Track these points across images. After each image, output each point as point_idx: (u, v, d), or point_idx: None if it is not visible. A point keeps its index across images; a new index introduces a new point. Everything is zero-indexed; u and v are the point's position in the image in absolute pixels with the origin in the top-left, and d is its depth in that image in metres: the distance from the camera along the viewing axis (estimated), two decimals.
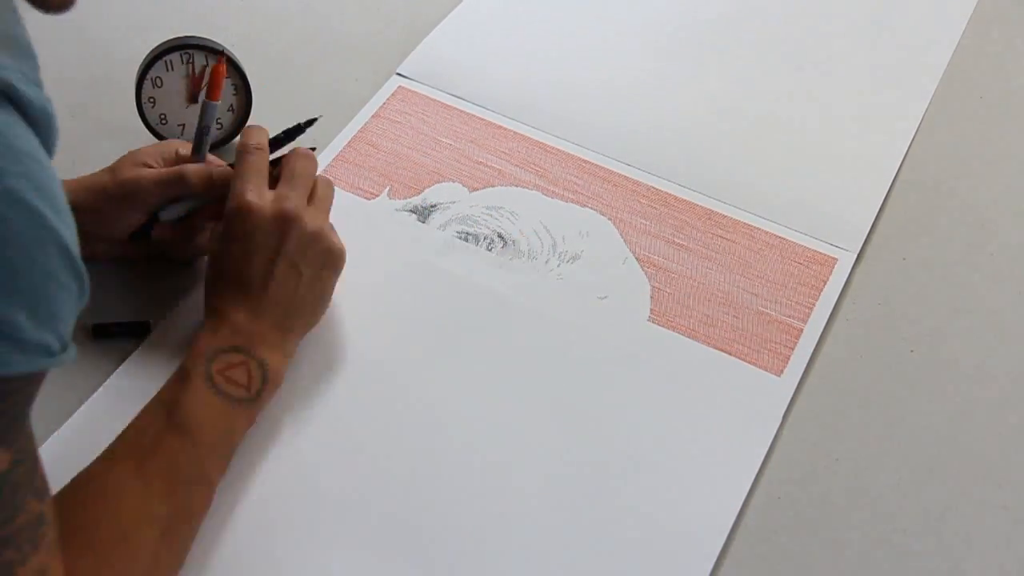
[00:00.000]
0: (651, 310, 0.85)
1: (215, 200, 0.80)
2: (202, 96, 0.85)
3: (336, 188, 0.91)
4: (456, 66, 1.03)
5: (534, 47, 1.06)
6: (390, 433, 0.77)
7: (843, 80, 1.05)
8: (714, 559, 0.72)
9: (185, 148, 0.83)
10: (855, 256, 0.90)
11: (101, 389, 0.78)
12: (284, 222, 0.75)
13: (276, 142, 0.83)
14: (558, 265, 0.88)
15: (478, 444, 0.77)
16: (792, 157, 0.97)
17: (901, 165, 0.97)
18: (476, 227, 0.90)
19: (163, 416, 0.68)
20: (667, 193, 0.93)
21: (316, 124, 0.85)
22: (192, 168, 0.80)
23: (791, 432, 0.79)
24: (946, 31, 1.10)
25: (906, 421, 0.81)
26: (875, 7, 1.12)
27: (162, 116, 0.91)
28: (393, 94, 1.00)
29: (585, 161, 0.95)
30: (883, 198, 0.94)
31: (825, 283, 0.88)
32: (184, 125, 0.92)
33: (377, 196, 0.92)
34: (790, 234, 0.91)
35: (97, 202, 0.79)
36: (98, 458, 0.66)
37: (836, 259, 0.89)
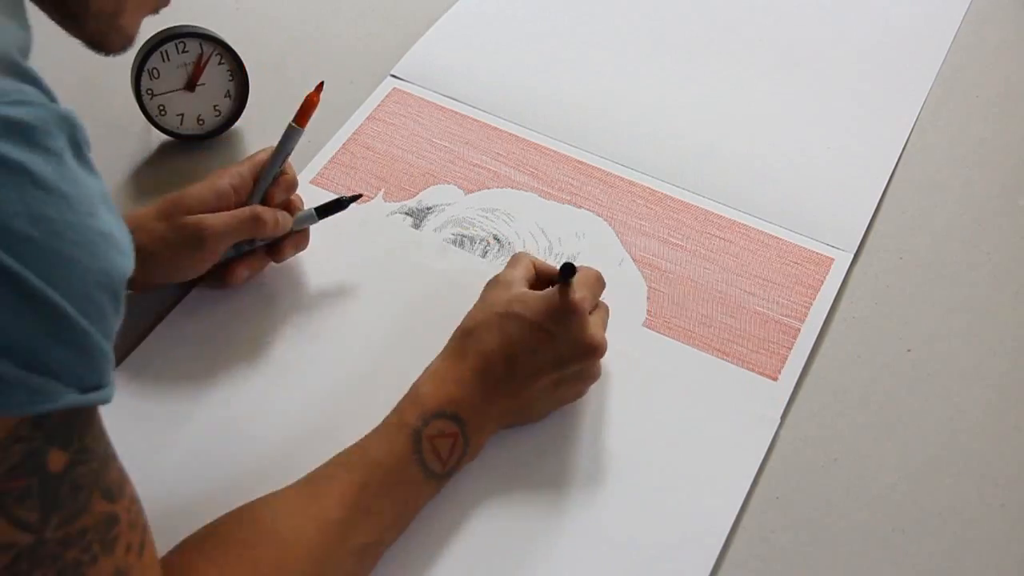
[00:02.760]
0: (648, 311, 0.85)
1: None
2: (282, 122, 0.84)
3: (332, 190, 0.91)
4: (451, 68, 1.03)
5: (529, 48, 1.06)
6: None
7: (838, 79, 1.05)
8: (713, 560, 0.72)
9: (234, 180, 0.81)
10: (852, 256, 0.90)
11: None
12: (592, 354, 0.74)
13: (324, 210, 0.83)
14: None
15: None
16: (788, 157, 0.97)
17: (897, 164, 0.97)
18: (472, 229, 0.90)
19: (360, 473, 0.68)
20: (663, 194, 0.93)
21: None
22: (265, 212, 0.79)
23: (789, 432, 0.79)
24: (941, 29, 1.10)
25: (904, 420, 0.81)
26: (870, 6, 1.12)
27: (161, 107, 0.91)
28: (388, 96, 1.00)
29: (581, 162, 0.95)
30: (879, 197, 0.94)
31: (822, 283, 0.88)
32: (183, 115, 0.92)
33: (372, 199, 0.91)
34: (787, 234, 0.91)
35: (166, 252, 0.77)
36: (283, 491, 0.67)
37: (833, 259, 0.89)
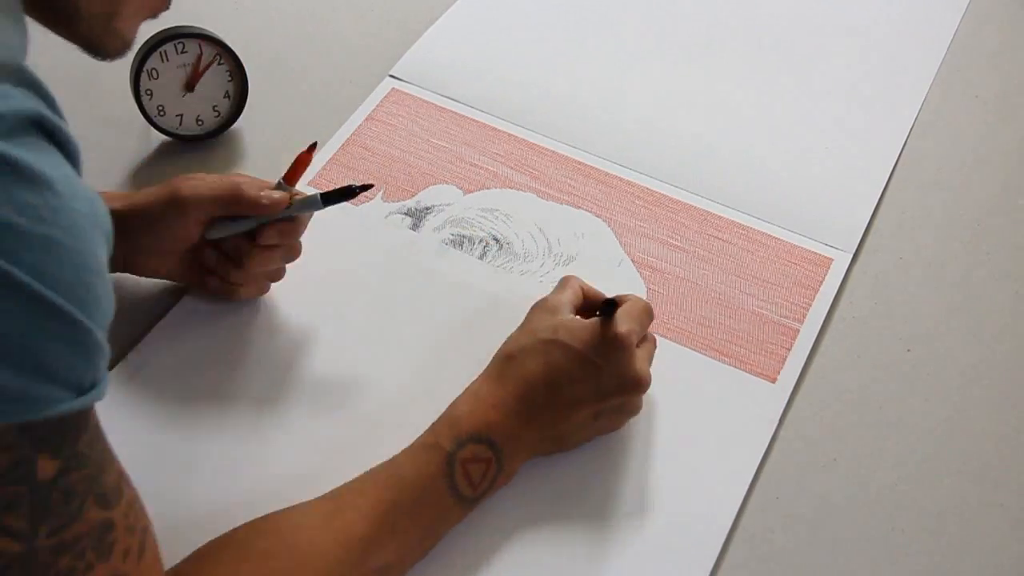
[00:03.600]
0: None
1: (266, 222, 0.78)
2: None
3: None
4: (450, 68, 1.03)
5: (527, 49, 1.06)
6: (383, 439, 0.77)
7: (837, 80, 1.04)
8: (713, 560, 0.72)
9: (245, 186, 0.78)
10: (851, 256, 0.90)
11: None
12: (634, 389, 0.74)
13: (328, 198, 0.77)
14: (553, 267, 0.87)
15: None
16: (787, 157, 0.97)
17: (896, 164, 0.97)
18: (471, 230, 0.90)
19: (390, 490, 0.68)
20: (662, 194, 0.93)
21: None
22: (247, 183, 0.77)
23: (789, 432, 0.79)
24: (939, 29, 1.10)
25: (903, 420, 0.81)
26: (868, 6, 1.12)
27: (160, 107, 0.91)
28: (386, 96, 1.00)
29: (580, 163, 0.95)
30: (878, 197, 0.94)
31: (821, 283, 0.88)
32: (182, 115, 0.92)
33: (371, 199, 0.91)
34: (785, 234, 0.91)
35: (150, 209, 0.77)
36: (306, 505, 0.67)
37: (832, 259, 0.89)
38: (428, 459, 0.69)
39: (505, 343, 0.75)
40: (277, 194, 0.77)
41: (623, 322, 0.73)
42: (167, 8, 0.63)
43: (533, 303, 0.78)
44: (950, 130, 1.01)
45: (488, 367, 0.74)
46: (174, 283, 0.84)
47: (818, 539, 0.74)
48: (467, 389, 0.73)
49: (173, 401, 0.78)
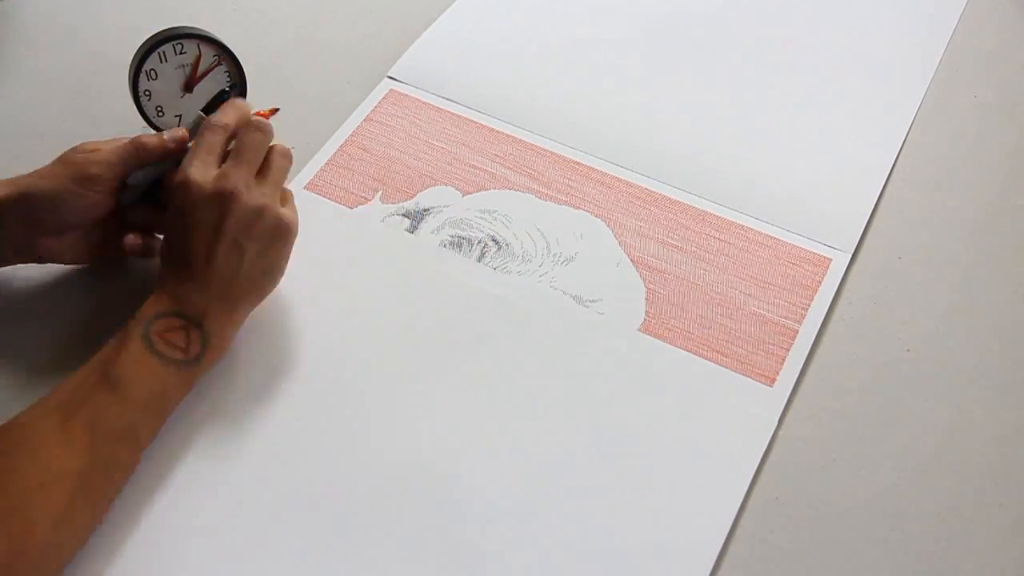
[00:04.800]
0: (646, 312, 0.85)
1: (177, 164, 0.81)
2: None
3: (326, 197, 0.91)
4: (447, 69, 1.03)
5: (525, 49, 1.06)
6: (380, 441, 0.77)
7: (835, 80, 1.04)
8: (712, 561, 0.72)
9: (144, 137, 0.82)
10: (849, 256, 0.90)
11: None
12: (223, 200, 0.75)
13: (210, 107, 0.84)
14: (552, 268, 0.87)
15: (470, 452, 0.77)
16: (785, 157, 0.97)
17: (895, 164, 0.97)
18: (470, 231, 0.90)
19: (97, 373, 0.70)
20: (661, 194, 0.93)
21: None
22: (146, 136, 0.81)
23: (788, 433, 0.79)
24: (938, 29, 1.10)
25: (903, 420, 0.81)
26: (866, 7, 1.12)
27: (159, 108, 0.91)
28: (384, 97, 1.00)
29: (578, 163, 0.95)
30: (877, 197, 0.94)
31: (820, 283, 0.88)
32: (181, 116, 0.92)
33: (369, 200, 0.91)
34: (784, 234, 0.91)
35: (53, 190, 0.78)
36: (28, 408, 0.68)
37: (830, 259, 0.89)
38: (127, 347, 0.71)
39: None
40: (177, 131, 0.81)
41: (182, 170, 0.76)
42: None
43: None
44: (949, 130, 1.01)
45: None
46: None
47: (818, 539, 0.74)
48: None
49: None
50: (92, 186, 0.79)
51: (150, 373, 0.71)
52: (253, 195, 0.76)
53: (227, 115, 0.80)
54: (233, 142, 0.79)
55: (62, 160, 0.80)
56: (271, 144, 0.79)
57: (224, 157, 0.78)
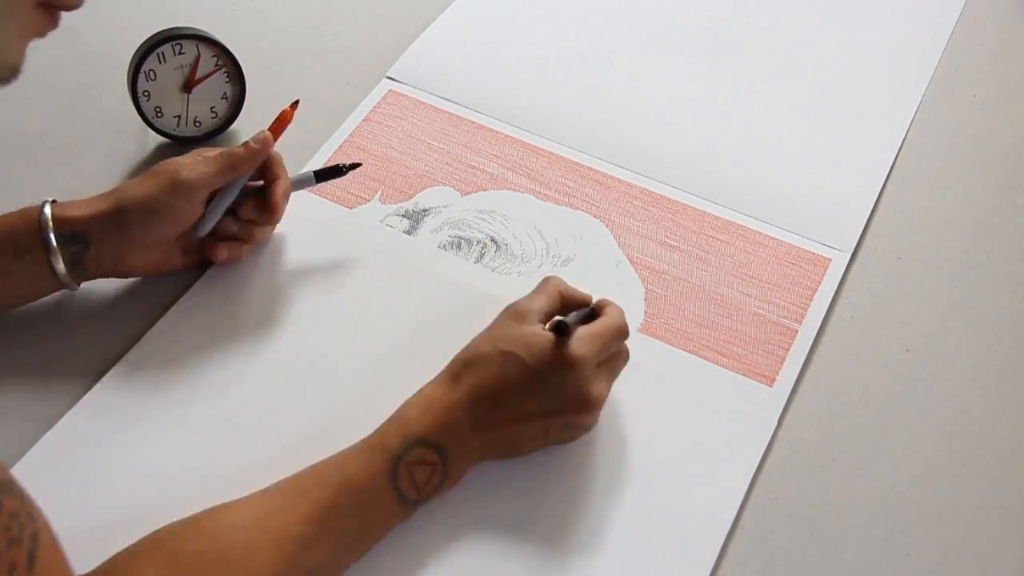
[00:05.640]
0: (645, 312, 0.85)
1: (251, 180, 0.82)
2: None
3: (326, 197, 0.91)
4: (446, 69, 1.03)
5: (524, 49, 1.06)
6: None
7: (835, 79, 1.04)
8: (712, 561, 0.72)
9: (233, 149, 0.82)
10: (849, 256, 0.90)
11: (86, 396, 0.78)
12: (585, 409, 0.73)
13: (324, 174, 0.86)
14: (551, 268, 0.87)
15: None
16: (784, 157, 0.97)
17: (894, 164, 0.97)
18: (469, 231, 0.90)
19: (332, 488, 0.67)
20: (660, 195, 0.93)
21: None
22: (234, 150, 0.81)
23: (788, 433, 0.79)
24: (937, 28, 1.10)
25: (902, 420, 0.81)
26: (865, 6, 1.12)
27: (158, 109, 0.91)
28: (383, 98, 1.00)
29: (577, 163, 0.95)
30: (876, 197, 0.94)
31: (819, 283, 0.88)
32: (180, 117, 0.92)
33: (368, 201, 0.91)
34: (783, 234, 0.91)
35: (149, 202, 0.78)
36: (249, 499, 0.67)
37: (830, 259, 0.89)
38: (373, 459, 0.69)
39: (466, 347, 0.74)
40: (262, 134, 0.82)
41: (579, 344, 0.72)
42: (56, 27, 0.62)
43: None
44: (948, 129, 1.01)
45: (444, 369, 0.74)
46: (168, 281, 0.84)
47: (818, 539, 0.74)
48: (420, 391, 0.73)
49: (170, 399, 0.78)
50: (188, 199, 0.79)
51: (379, 509, 0.68)
52: (599, 408, 0.74)
53: (618, 318, 0.75)
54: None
55: (159, 171, 0.79)
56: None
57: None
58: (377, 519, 0.69)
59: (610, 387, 0.75)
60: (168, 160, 0.80)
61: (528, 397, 0.71)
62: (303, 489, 0.67)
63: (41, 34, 0.62)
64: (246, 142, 0.81)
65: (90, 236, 0.77)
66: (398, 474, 0.69)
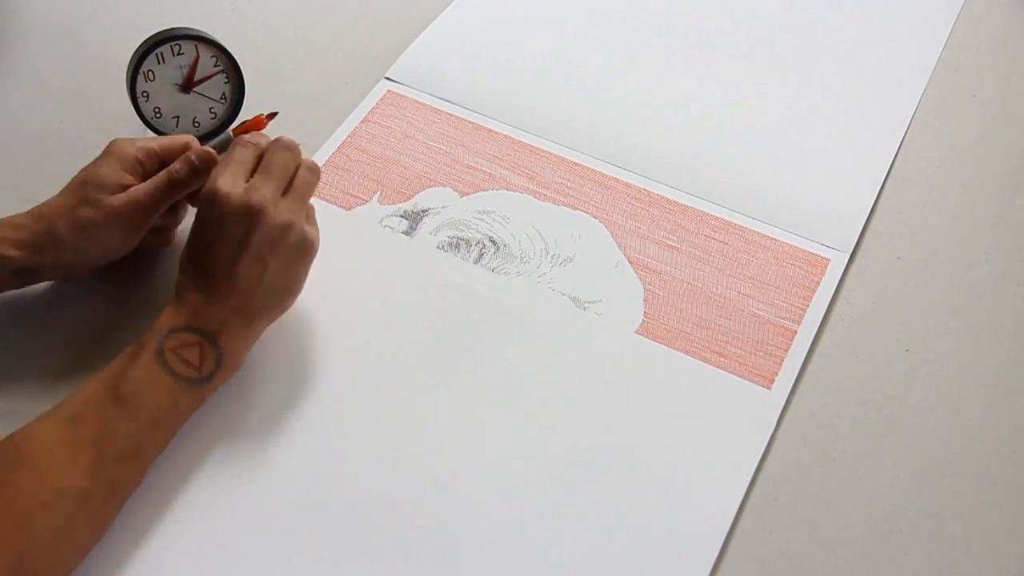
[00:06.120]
0: (644, 313, 0.85)
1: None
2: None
3: (325, 198, 0.91)
4: (445, 70, 1.03)
5: (523, 50, 1.06)
6: (380, 443, 0.77)
7: (833, 79, 1.04)
8: (712, 561, 0.72)
9: (140, 154, 0.81)
10: (848, 256, 0.90)
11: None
12: (250, 214, 0.74)
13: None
14: (551, 268, 0.87)
15: (469, 454, 0.77)
16: (783, 157, 0.97)
17: (893, 164, 0.97)
18: (468, 232, 0.90)
19: (107, 387, 0.69)
20: (659, 195, 0.93)
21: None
22: (174, 169, 0.80)
23: (788, 433, 0.79)
24: (936, 28, 1.10)
25: (902, 420, 0.80)
26: (863, 6, 1.12)
27: (156, 109, 0.91)
28: (382, 99, 1.00)
29: (576, 164, 0.95)
30: (875, 197, 0.94)
31: (818, 284, 0.87)
32: (179, 117, 0.92)
33: (367, 201, 0.91)
34: (782, 235, 0.91)
35: (87, 238, 0.78)
36: (36, 420, 0.68)
37: (829, 259, 0.89)
38: (139, 360, 0.70)
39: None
40: (204, 151, 0.81)
41: (215, 177, 0.75)
42: None
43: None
44: (947, 129, 1.01)
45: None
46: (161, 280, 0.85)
47: (818, 539, 0.74)
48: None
49: None
50: (130, 230, 0.80)
51: (161, 391, 0.71)
52: (280, 211, 0.75)
53: (261, 137, 0.79)
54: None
55: (93, 205, 0.78)
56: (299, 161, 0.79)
57: (252, 173, 0.77)
58: (165, 401, 0.71)
59: (300, 202, 0.77)
60: (94, 177, 0.79)
61: (213, 243, 0.74)
62: (85, 400, 0.69)
63: None
64: (187, 156, 0.80)
65: (35, 267, 0.78)
66: (167, 361, 0.71)
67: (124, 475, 0.69)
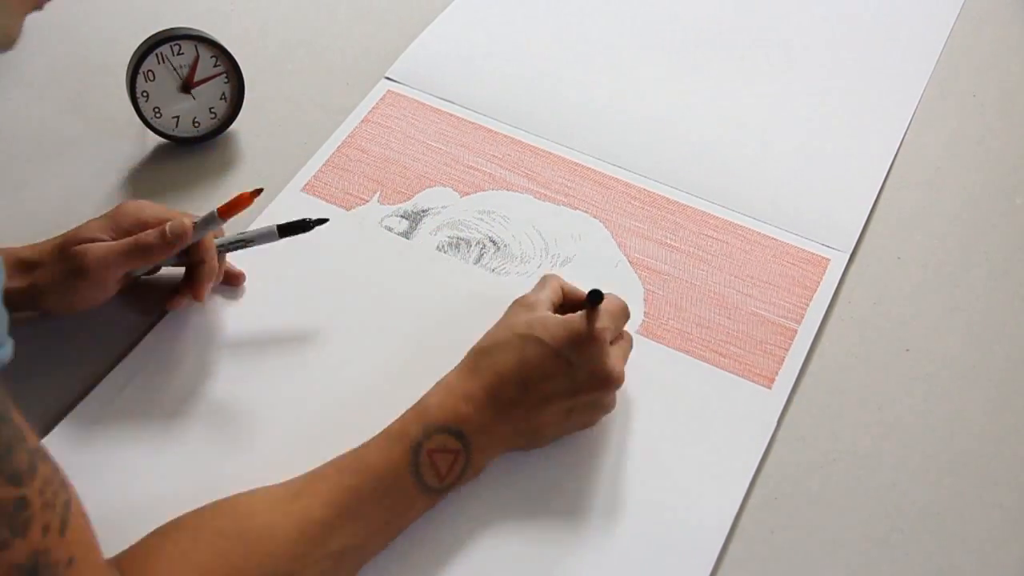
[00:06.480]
0: (644, 313, 0.85)
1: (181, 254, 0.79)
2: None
3: (325, 198, 0.91)
4: (445, 70, 1.03)
5: (523, 50, 1.06)
6: None
7: (833, 79, 1.04)
8: (712, 561, 0.72)
9: (137, 227, 0.79)
10: (848, 256, 0.90)
11: (97, 388, 0.78)
12: (608, 382, 0.73)
13: (288, 229, 0.80)
14: (550, 268, 0.87)
15: None
16: (783, 157, 0.97)
17: (893, 164, 0.97)
18: (468, 232, 0.90)
19: (351, 474, 0.68)
20: (659, 195, 0.93)
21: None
22: (143, 235, 0.77)
23: (788, 433, 0.79)
24: (936, 28, 1.10)
25: (902, 420, 0.80)
26: (863, 6, 1.12)
27: (156, 109, 0.91)
28: (382, 98, 1.00)
29: (576, 164, 0.95)
30: (875, 197, 0.94)
31: (819, 283, 0.87)
32: (178, 117, 0.92)
33: (367, 202, 0.91)
34: (782, 235, 0.91)
35: (47, 280, 0.77)
36: (267, 491, 0.67)
37: (829, 259, 0.89)
38: (393, 448, 0.69)
39: (482, 338, 0.75)
40: (179, 225, 0.76)
41: (599, 319, 0.73)
42: None
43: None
44: (947, 129, 1.01)
45: (462, 360, 0.74)
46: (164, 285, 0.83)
47: (818, 539, 0.74)
48: (439, 381, 0.73)
49: (166, 403, 0.78)
50: (89, 281, 0.77)
51: (402, 496, 0.69)
52: (620, 383, 0.74)
53: (619, 300, 0.77)
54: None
55: (63, 253, 0.76)
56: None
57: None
58: (400, 507, 0.69)
59: (624, 367, 0.76)
60: (82, 247, 0.76)
61: (550, 378, 0.72)
62: (324, 475, 0.68)
63: (39, 6, 0.61)
64: (162, 230, 0.76)
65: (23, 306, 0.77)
66: (419, 462, 0.69)
67: (334, 572, 0.67)
